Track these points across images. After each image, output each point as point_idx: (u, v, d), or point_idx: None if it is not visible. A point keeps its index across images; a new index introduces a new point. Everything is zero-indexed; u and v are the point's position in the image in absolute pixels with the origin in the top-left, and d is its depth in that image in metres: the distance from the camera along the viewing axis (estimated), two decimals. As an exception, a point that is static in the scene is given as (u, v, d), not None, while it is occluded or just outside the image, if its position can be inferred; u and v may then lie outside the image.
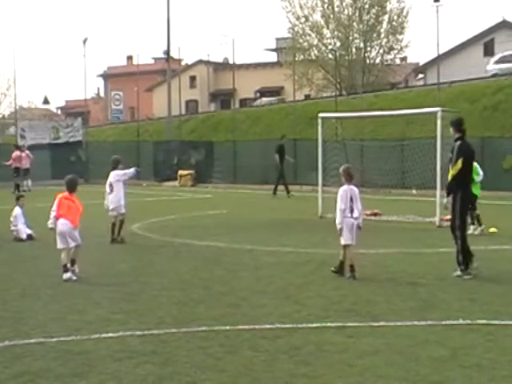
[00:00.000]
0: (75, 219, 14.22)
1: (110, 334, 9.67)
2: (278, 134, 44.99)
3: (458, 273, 13.62)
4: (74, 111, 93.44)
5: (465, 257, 13.64)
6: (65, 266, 13.92)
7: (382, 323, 10.14)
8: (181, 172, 49.80)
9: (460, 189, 13.58)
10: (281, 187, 36.66)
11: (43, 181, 46.85)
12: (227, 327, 10.02)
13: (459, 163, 13.42)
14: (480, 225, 20.32)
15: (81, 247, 14.37)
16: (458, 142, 13.64)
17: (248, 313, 10.97)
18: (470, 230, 19.19)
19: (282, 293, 12.53)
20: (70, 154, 53.23)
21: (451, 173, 13.65)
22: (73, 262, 14.16)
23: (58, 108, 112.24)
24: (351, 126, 28.89)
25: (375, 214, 24.52)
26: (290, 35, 71.92)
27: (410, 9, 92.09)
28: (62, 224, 14.16)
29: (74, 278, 13.84)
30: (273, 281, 13.71)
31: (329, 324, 10.11)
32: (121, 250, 18.25)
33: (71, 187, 14.59)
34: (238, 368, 8.20)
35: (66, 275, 13.82)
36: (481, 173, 20.21)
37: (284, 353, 8.74)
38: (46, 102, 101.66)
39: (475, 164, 19.67)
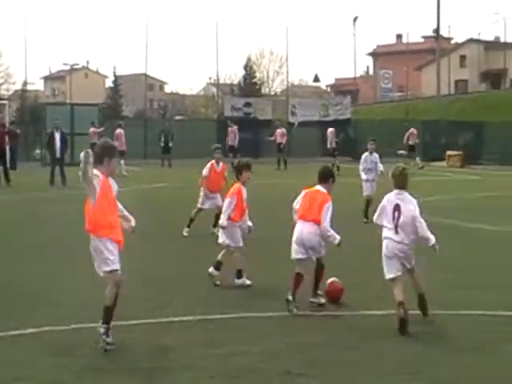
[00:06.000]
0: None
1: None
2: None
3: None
4: (344, 89, 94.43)
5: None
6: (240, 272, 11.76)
7: None
8: (449, 152, 49.00)
9: None
10: None
11: (313, 157, 47.46)
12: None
13: None
14: None
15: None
16: None
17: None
18: None
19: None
20: (338, 132, 53.76)
21: None
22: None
23: (327, 86, 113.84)
24: None
25: None
26: None
27: None
28: None
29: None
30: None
31: None
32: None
33: (235, 172, 12.33)
34: None
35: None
36: None
37: None
38: (316, 79, 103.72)
39: None
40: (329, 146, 43.23)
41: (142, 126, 51.77)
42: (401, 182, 9.63)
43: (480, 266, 13.32)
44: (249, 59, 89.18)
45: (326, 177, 10.68)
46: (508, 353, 8.16)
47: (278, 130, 44.50)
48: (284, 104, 58.24)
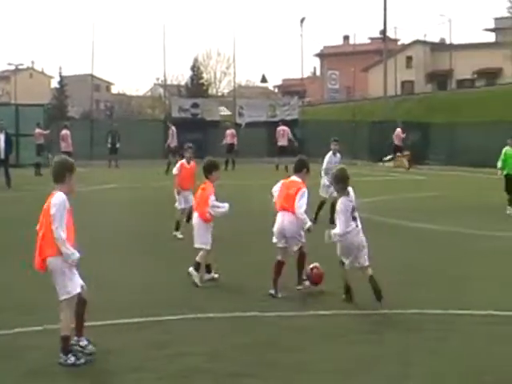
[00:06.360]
0: (202, 211, 11.81)
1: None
2: (496, 116, 43.60)
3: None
4: (291, 90, 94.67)
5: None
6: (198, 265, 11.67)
7: None
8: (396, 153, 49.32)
9: None
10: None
11: (260, 158, 47.62)
12: (439, 311, 9.95)
13: None
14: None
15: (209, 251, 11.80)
16: None
17: (461, 298, 10.83)
18: None
19: (499, 280, 12.21)
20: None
21: None
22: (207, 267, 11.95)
23: (275, 86, 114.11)
24: None
25: None
26: (509, 15, 69.44)
27: None
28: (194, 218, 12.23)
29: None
30: (491, 266, 13.40)
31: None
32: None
33: (205, 171, 12.12)
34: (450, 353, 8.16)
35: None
36: None
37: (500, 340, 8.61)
38: (263, 80, 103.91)
39: None
40: (282, 143, 43.15)
41: (88, 126, 51.23)
42: (345, 183, 10.41)
43: (429, 266, 13.40)
44: (196, 60, 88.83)
45: (300, 168, 11.36)
46: (457, 351, 8.24)
47: (228, 131, 44.57)
48: (231, 105, 58.16)
